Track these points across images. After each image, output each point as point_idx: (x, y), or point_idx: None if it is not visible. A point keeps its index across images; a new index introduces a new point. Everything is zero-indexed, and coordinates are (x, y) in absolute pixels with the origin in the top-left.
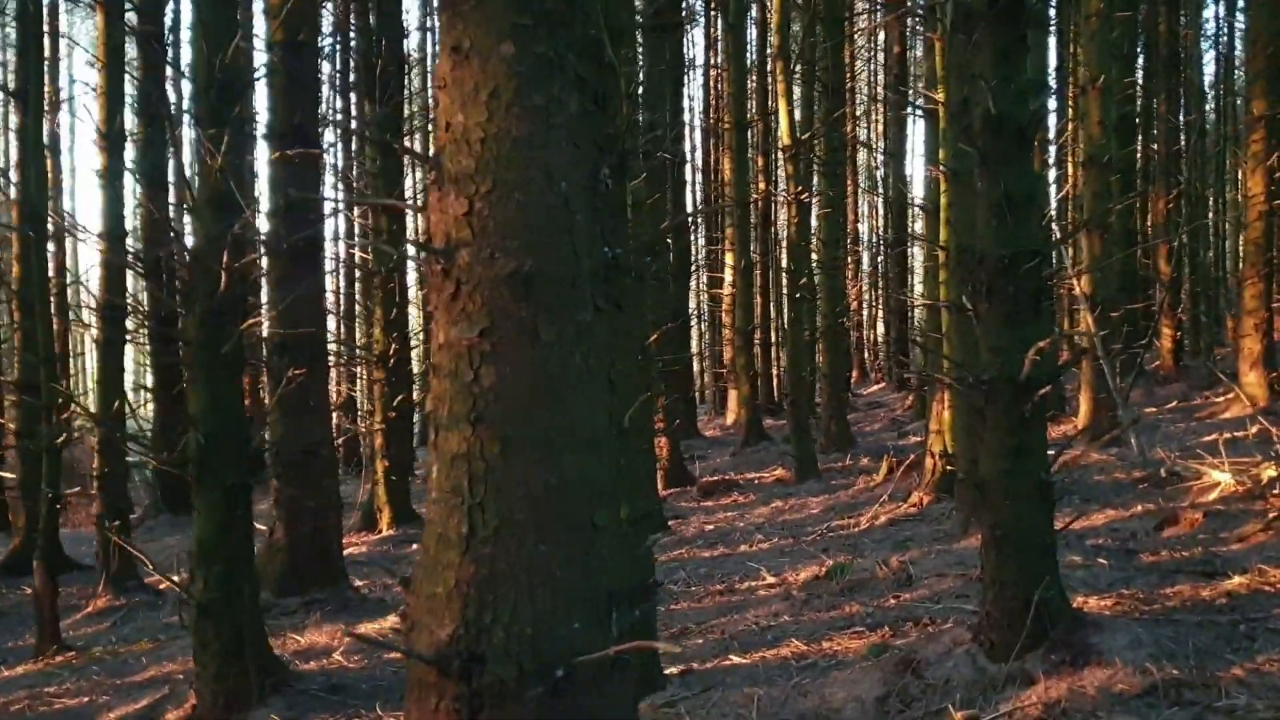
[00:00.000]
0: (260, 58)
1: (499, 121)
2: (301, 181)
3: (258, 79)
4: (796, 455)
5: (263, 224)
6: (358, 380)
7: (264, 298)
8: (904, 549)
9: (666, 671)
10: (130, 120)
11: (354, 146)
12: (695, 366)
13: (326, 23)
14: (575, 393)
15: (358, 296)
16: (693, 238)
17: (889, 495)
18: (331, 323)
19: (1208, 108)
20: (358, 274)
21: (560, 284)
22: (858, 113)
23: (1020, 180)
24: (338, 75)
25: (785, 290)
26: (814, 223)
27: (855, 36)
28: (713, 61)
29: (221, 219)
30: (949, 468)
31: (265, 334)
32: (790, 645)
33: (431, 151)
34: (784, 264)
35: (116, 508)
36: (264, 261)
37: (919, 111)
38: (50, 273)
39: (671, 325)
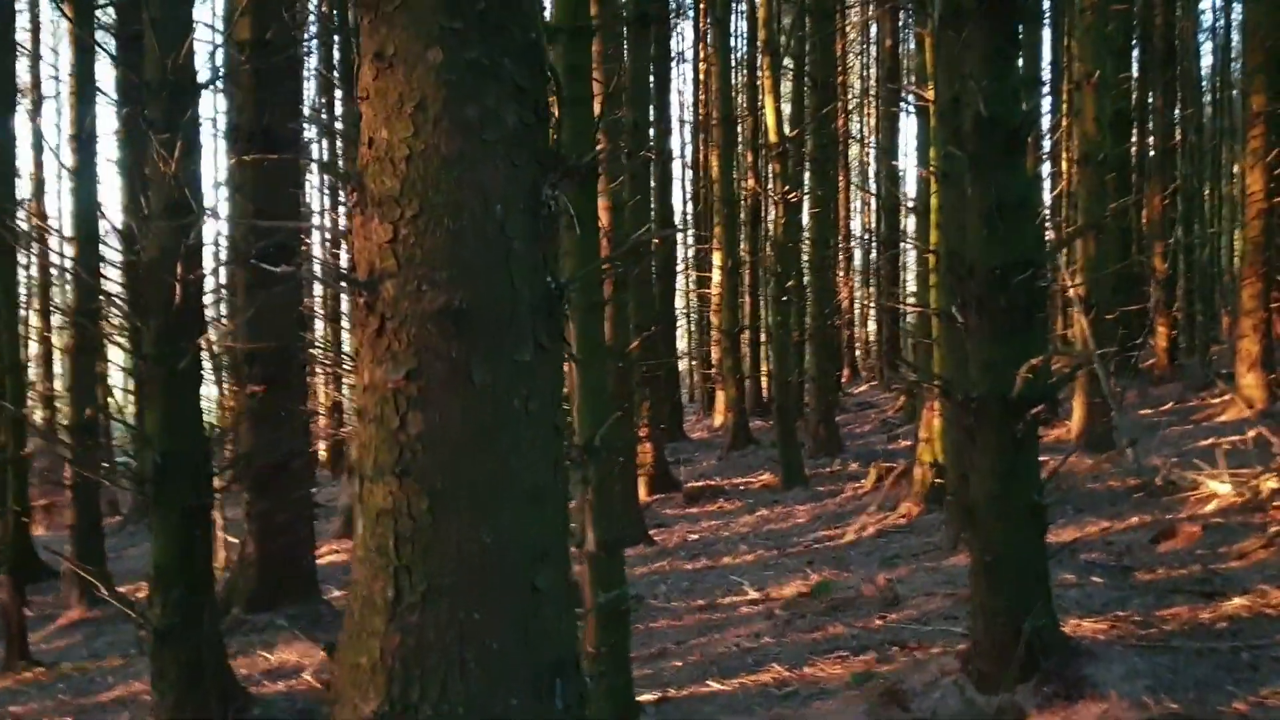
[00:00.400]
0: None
1: (426, 137)
2: (274, 185)
3: (214, 80)
4: (783, 462)
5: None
6: (343, 383)
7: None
8: (892, 565)
9: (642, 699)
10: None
11: (340, 147)
12: (683, 366)
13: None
14: (514, 440)
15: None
16: (679, 236)
17: (877, 505)
18: (320, 326)
19: (1204, 100)
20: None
21: (496, 320)
22: (849, 107)
23: (1012, 186)
24: (318, 73)
25: (772, 292)
26: (804, 221)
27: (846, 30)
28: (701, 56)
29: (178, 230)
30: (938, 480)
31: (234, 344)
32: (772, 670)
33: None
34: (773, 264)
35: (88, 518)
36: (225, 271)
37: (911, 107)
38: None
39: (656, 329)
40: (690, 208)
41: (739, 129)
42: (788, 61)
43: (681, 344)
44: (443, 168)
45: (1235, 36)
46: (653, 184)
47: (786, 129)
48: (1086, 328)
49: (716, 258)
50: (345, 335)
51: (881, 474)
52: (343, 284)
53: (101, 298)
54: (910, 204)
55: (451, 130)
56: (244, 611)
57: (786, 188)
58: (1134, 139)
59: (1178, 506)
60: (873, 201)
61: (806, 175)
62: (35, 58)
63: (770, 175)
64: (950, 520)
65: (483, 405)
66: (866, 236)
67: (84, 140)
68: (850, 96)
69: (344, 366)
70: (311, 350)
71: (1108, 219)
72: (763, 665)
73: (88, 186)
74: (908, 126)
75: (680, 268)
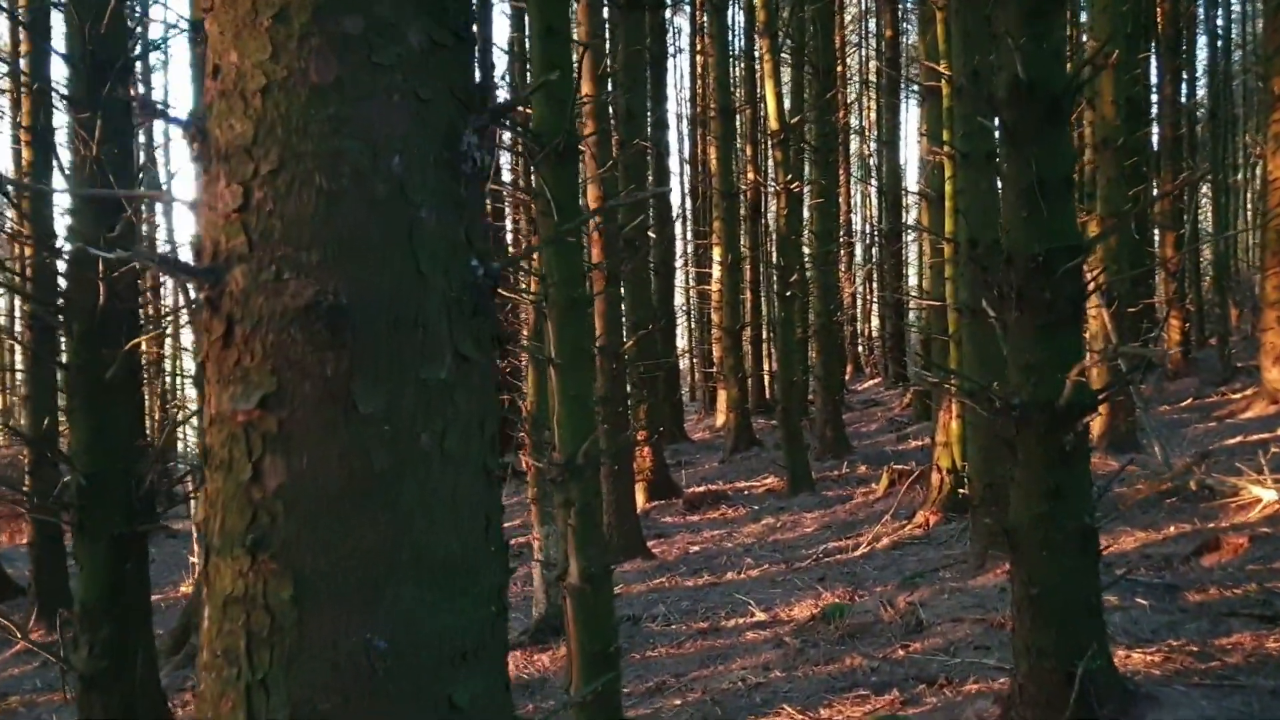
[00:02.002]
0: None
1: (290, 60)
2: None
3: (141, 55)
4: (789, 467)
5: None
6: None
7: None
8: (912, 586)
9: None
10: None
11: None
12: (684, 365)
13: None
14: (421, 494)
15: None
16: (679, 231)
17: (891, 514)
18: None
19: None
20: None
21: (393, 321)
22: (849, 99)
23: (1055, 161)
24: None
25: (775, 287)
26: (806, 214)
27: (845, 17)
28: (699, 48)
29: (101, 219)
30: (960, 490)
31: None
32: (782, 713)
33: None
34: (774, 258)
35: (46, 532)
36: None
37: (915, 93)
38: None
39: (654, 327)
40: (690, 203)
41: (738, 120)
42: (788, 55)
43: (682, 342)
44: (313, 102)
45: (1234, 27)
46: (650, 177)
47: (787, 116)
48: (1109, 322)
49: (716, 253)
50: None
51: (894, 478)
52: (181, 273)
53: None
54: (920, 192)
55: (325, 49)
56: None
57: (789, 177)
58: (1148, 126)
59: (1218, 514)
60: (874, 195)
61: (806, 167)
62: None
63: (771, 165)
64: (975, 534)
65: (373, 444)
66: (869, 229)
67: (39, 132)
68: (850, 89)
69: None
70: None
71: (1132, 207)
72: (772, 706)
73: (40, 180)
74: (909, 120)
75: (679, 263)
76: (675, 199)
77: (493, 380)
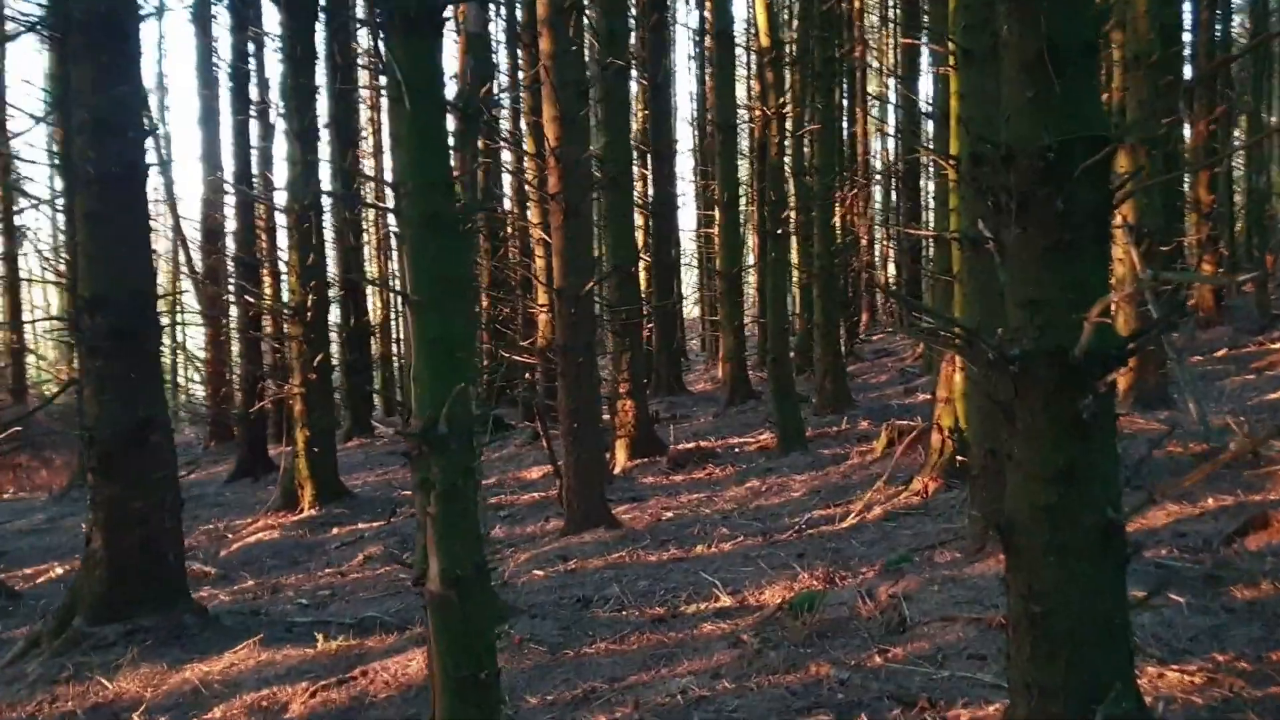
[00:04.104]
0: None
1: None
2: (115, 87)
3: None
4: (779, 423)
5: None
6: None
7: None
8: (897, 573)
9: None
10: None
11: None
12: (698, 313)
13: None
14: None
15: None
16: (692, 168)
17: (887, 477)
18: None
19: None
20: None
21: None
22: (865, 37)
23: (1073, 19)
24: None
25: (767, 225)
26: (807, 148)
27: None
28: None
29: None
30: (960, 457)
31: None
32: None
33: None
34: (768, 192)
35: None
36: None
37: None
38: None
39: (632, 269)
40: (698, 138)
41: (749, 50)
42: None
43: (689, 288)
44: None
45: None
46: (644, 109)
47: (780, 33)
48: (1139, 261)
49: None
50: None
51: (893, 437)
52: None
53: None
54: (924, 113)
55: None
56: (88, 623)
57: (780, 101)
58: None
59: (1263, 484)
60: (890, 134)
61: (809, 92)
62: None
63: (762, 88)
64: (973, 510)
65: None
66: (887, 170)
67: None
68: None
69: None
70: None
71: (1166, 134)
72: None
73: None
74: (927, 55)
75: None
76: (685, 135)
77: None
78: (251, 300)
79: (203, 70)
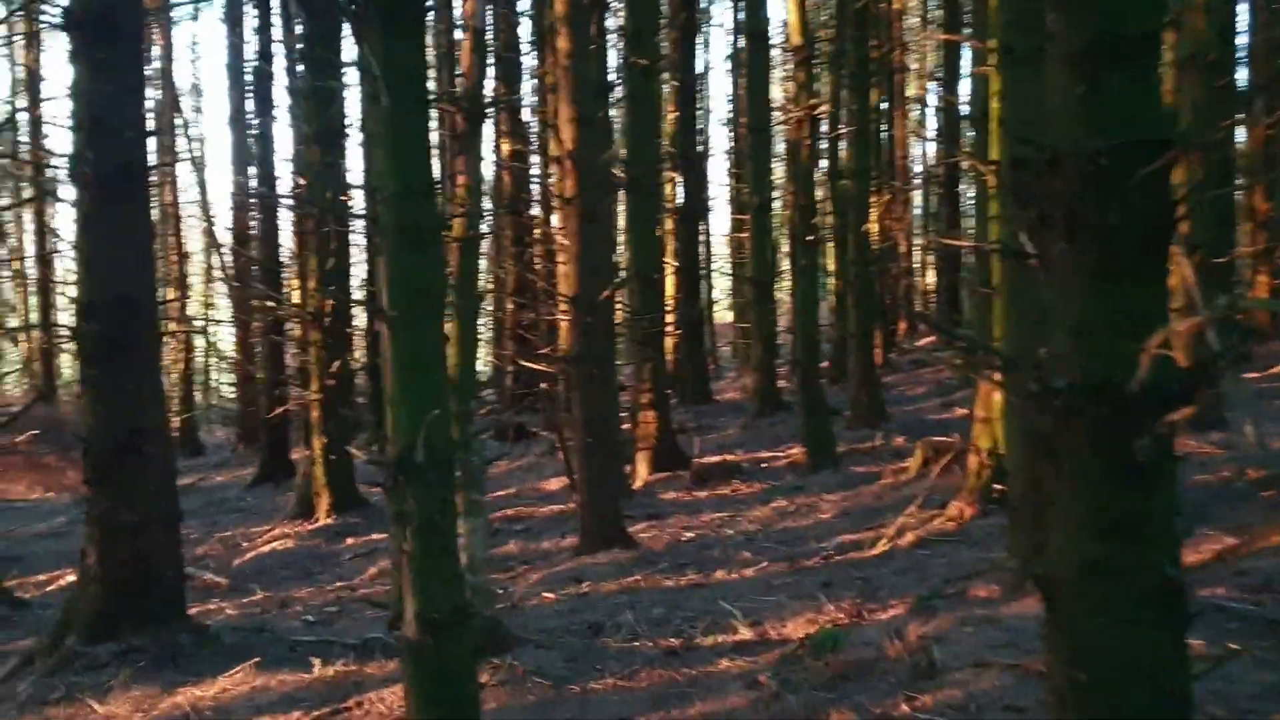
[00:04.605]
0: None
1: None
2: (113, 85)
3: None
4: (808, 438)
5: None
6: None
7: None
8: (928, 611)
9: None
10: None
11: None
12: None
13: None
14: None
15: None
16: (726, 172)
17: (921, 501)
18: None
19: None
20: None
21: None
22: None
23: (1130, 7)
24: None
25: (798, 230)
26: (843, 150)
27: None
28: None
29: None
30: (997, 486)
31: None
32: None
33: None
34: (797, 197)
35: None
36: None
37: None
38: None
39: (658, 276)
40: (732, 141)
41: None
42: None
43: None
44: None
45: None
46: (675, 111)
47: (812, 31)
48: (1191, 275)
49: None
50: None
51: (929, 456)
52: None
53: None
54: (964, 115)
55: None
56: (82, 642)
57: (812, 102)
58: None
59: None
60: (929, 138)
61: (844, 93)
62: None
63: (793, 88)
64: (1013, 545)
65: None
66: (926, 175)
67: None
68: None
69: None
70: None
71: (1223, 138)
72: None
73: None
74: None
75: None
76: (720, 137)
77: None
78: (272, 304)
79: (232, 70)
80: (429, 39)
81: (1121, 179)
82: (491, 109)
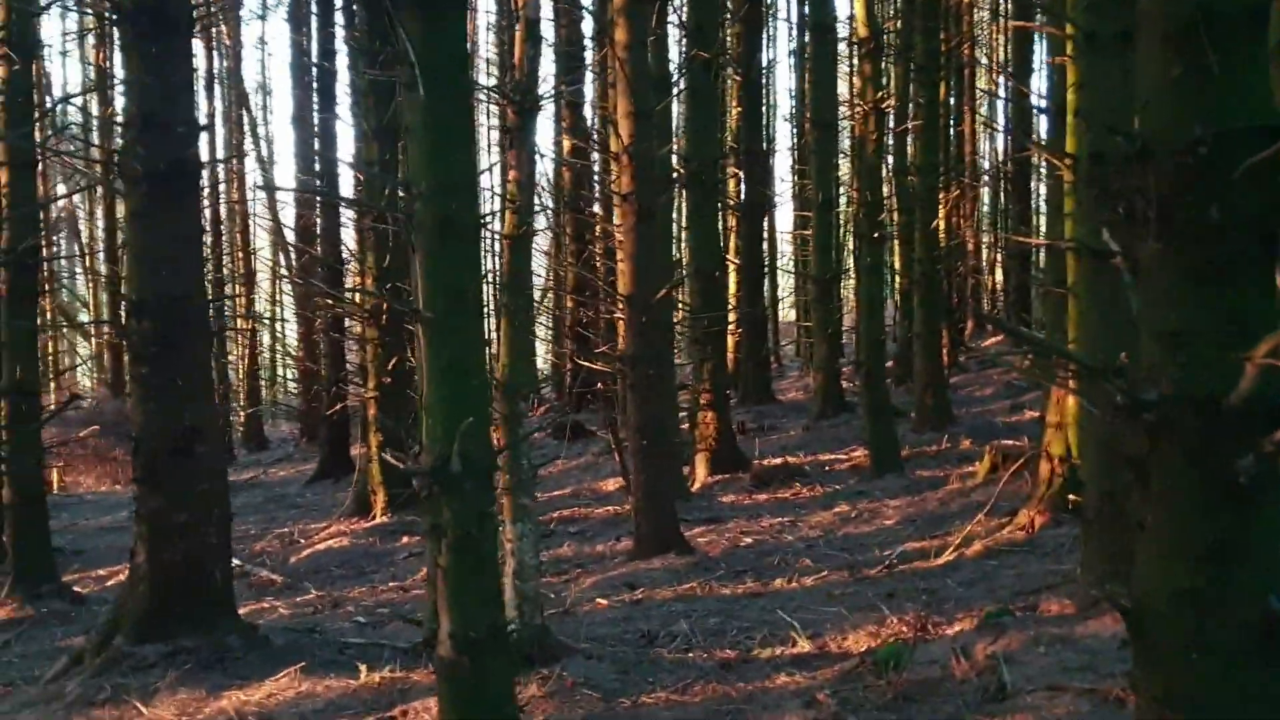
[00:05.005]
0: None
1: None
2: (163, 79)
3: None
4: (872, 442)
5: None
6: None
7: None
8: (998, 628)
9: None
10: None
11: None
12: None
13: None
14: None
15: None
16: (788, 169)
17: (989, 508)
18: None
19: None
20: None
21: None
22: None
23: None
24: None
25: (862, 228)
26: (910, 147)
27: None
28: None
29: None
30: (1071, 495)
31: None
32: None
33: None
34: (864, 193)
35: (28, 491)
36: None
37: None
38: None
39: (711, 272)
40: (796, 136)
41: (850, 41)
42: None
43: (783, 291)
44: None
45: None
46: (738, 105)
47: (880, 22)
48: None
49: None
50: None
51: (997, 461)
52: None
53: None
54: (1038, 108)
55: None
56: (130, 642)
57: (879, 95)
58: None
59: None
60: (999, 131)
61: (912, 87)
62: None
63: (859, 81)
64: (1087, 560)
65: None
66: (996, 171)
67: None
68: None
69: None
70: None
71: None
72: None
73: None
74: (1042, 49)
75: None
76: (784, 132)
77: None
78: (331, 301)
79: (295, 68)
80: (490, 37)
81: (1224, 171)
82: (545, 102)
